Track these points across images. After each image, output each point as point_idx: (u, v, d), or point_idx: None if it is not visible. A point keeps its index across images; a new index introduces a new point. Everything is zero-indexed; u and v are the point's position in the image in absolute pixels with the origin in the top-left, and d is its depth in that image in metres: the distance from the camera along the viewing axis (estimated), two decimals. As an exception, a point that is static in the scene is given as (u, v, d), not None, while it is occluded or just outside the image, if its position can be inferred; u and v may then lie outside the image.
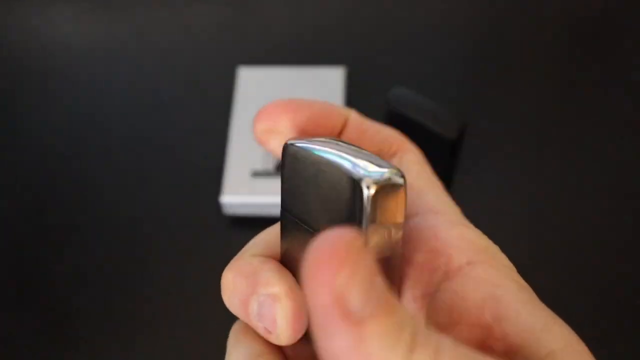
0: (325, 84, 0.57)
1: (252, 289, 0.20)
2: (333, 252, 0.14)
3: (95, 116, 0.60)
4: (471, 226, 0.22)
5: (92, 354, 0.47)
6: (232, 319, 0.48)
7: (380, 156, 0.23)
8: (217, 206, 0.52)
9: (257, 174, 0.52)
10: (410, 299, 0.21)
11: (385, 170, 0.19)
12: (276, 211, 0.51)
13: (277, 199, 0.50)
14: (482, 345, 0.19)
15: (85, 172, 0.56)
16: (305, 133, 0.23)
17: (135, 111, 0.60)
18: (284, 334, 0.20)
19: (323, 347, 0.15)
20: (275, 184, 0.51)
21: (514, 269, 0.21)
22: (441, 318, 0.20)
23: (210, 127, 0.58)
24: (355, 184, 0.18)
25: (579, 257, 0.50)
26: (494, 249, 0.21)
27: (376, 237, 0.19)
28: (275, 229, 0.23)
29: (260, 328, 0.21)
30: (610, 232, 0.51)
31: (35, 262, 0.52)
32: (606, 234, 0.51)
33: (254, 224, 0.52)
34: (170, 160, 0.57)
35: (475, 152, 0.54)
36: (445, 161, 0.48)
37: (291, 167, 0.20)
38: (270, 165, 0.52)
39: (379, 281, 0.15)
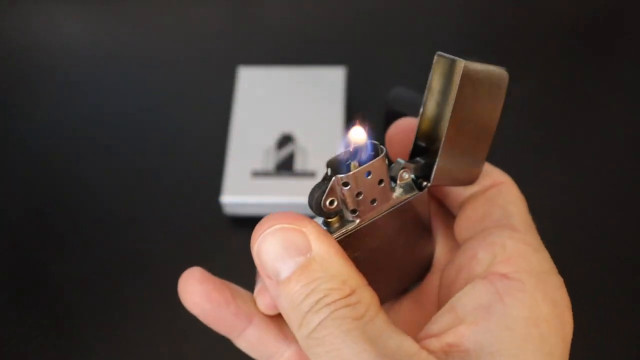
0: (325, 84, 0.57)
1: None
2: (255, 229, 0.21)
3: (95, 116, 0.60)
4: (544, 252, 0.24)
5: (92, 353, 0.47)
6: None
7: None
8: (217, 206, 0.52)
9: (257, 174, 0.52)
10: (460, 284, 0.23)
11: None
12: (276, 211, 0.51)
13: (277, 199, 0.50)
14: (445, 330, 0.21)
15: (85, 172, 0.56)
16: None
17: (135, 111, 0.60)
18: None
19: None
20: (275, 184, 0.51)
21: (564, 310, 0.21)
22: (452, 299, 0.22)
23: (210, 127, 0.58)
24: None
25: (578, 257, 0.50)
26: (551, 280, 0.22)
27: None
28: None
29: None
30: (610, 231, 0.51)
31: (36, 262, 0.52)
32: (606, 234, 0.51)
33: (254, 224, 0.52)
34: (170, 160, 0.57)
35: (475, 152, 0.54)
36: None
37: None
38: (271, 165, 0.52)
39: (292, 256, 0.20)
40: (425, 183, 0.24)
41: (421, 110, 0.24)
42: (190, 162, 0.56)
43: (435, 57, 0.23)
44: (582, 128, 0.57)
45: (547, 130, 0.57)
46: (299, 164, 0.52)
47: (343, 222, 0.23)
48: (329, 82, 0.57)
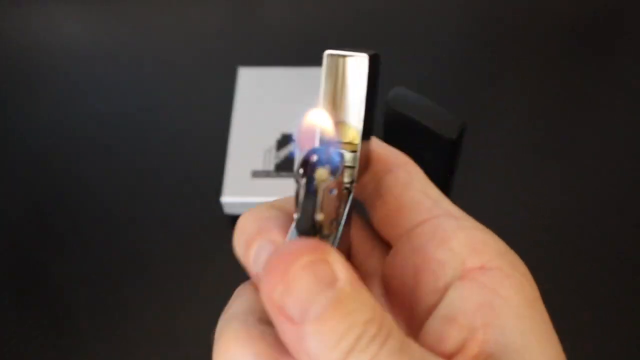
0: (325, 84, 0.57)
1: (258, 234, 0.21)
2: (274, 267, 0.17)
3: (95, 116, 0.60)
4: (490, 232, 0.23)
5: (92, 353, 0.47)
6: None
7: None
8: (217, 206, 0.52)
9: (257, 174, 0.52)
10: (431, 290, 0.21)
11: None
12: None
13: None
14: (462, 344, 0.20)
15: (85, 172, 0.56)
16: None
17: (135, 111, 0.60)
18: None
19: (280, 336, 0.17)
20: (275, 184, 0.51)
21: (530, 278, 0.21)
22: (443, 311, 0.21)
23: (210, 127, 0.58)
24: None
25: (579, 257, 0.50)
26: (513, 256, 0.22)
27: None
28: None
29: (254, 274, 0.21)
30: (610, 231, 0.51)
31: (36, 262, 0.52)
32: (606, 234, 0.51)
33: (254, 224, 0.52)
34: (170, 160, 0.57)
35: (475, 152, 0.54)
36: (445, 161, 0.48)
37: None
38: (271, 165, 0.52)
39: (322, 290, 0.17)
40: (350, 183, 0.21)
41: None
42: (190, 162, 0.56)
43: (328, 57, 0.23)
44: (582, 128, 0.57)
45: (547, 130, 0.57)
46: (299, 164, 0.52)
47: (321, 238, 0.20)
48: (329, 82, 0.57)
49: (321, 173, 0.19)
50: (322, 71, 0.22)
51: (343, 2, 0.67)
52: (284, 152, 0.53)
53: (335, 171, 0.19)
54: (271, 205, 0.22)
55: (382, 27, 0.64)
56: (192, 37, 0.65)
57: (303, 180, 0.19)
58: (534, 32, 0.63)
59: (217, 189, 0.53)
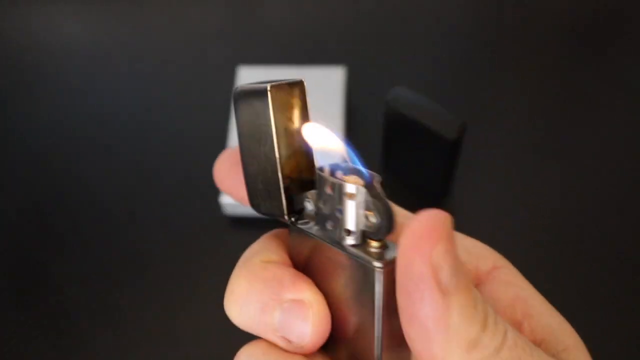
0: (325, 84, 0.57)
1: (276, 295, 0.20)
2: (432, 228, 0.16)
3: (95, 116, 0.60)
4: (474, 239, 0.24)
5: (92, 353, 0.47)
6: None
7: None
8: (217, 206, 0.52)
9: (257, 174, 0.52)
10: None
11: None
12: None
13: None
14: None
15: (85, 172, 0.56)
16: None
17: (135, 111, 0.60)
18: (311, 341, 0.20)
19: (411, 315, 0.17)
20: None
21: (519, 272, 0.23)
22: None
23: (210, 127, 0.58)
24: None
25: (578, 257, 0.50)
26: (501, 255, 0.24)
27: None
28: (275, 237, 0.23)
29: (277, 338, 0.20)
30: (610, 231, 0.51)
31: (36, 262, 0.52)
32: (606, 234, 0.51)
33: (254, 224, 0.52)
34: (170, 160, 0.57)
35: (475, 152, 0.54)
36: (445, 161, 0.48)
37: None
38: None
39: (461, 260, 0.17)
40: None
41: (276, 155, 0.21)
42: (190, 162, 0.56)
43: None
44: (582, 128, 0.57)
45: (547, 130, 0.57)
46: (299, 164, 0.52)
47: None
48: (329, 82, 0.57)
49: (375, 177, 0.19)
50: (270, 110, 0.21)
51: (343, 2, 0.67)
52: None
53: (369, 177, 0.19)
54: (260, 261, 0.21)
55: (382, 27, 0.64)
56: (192, 37, 0.65)
57: (363, 190, 0.19)
58: (534, 32, 0.63)
59: (217, 189, 0.53)
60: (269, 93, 0.20)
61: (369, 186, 0.19)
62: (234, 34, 0.65)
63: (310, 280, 0.20)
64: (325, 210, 0.20)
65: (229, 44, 0.64)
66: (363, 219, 0.19)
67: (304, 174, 0.22)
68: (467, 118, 0.48)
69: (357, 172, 0.20)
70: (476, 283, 0.23)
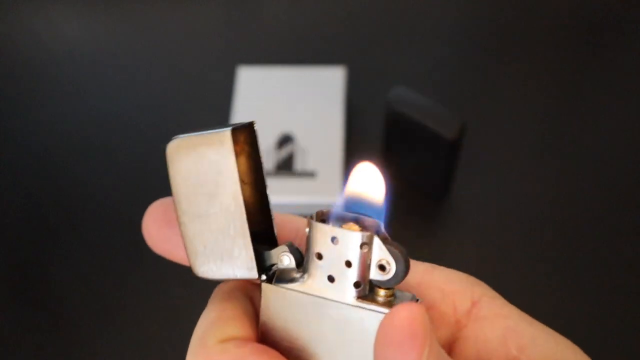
0: (325, 84, 0.57)
1: None
2: (413, 334, 0.16)
3: (95, 116, 0.60)
4: (441, 267, 0.22)
5: (92, 353, 0.47)
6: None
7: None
8: (217, 206, 0.52)
9: (257, 174, 0.52)
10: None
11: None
12: (275, 211, 0.51)
13: (277, 199, 0.50)
14: None
15: (85, 172, 0.56)
16: None
17: (135, 111, 0.60)
18: None
19: None
20: (275, 184, 0.51)
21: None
22: None
23: (210, 127, 0.58)
24: None
25: (579, 257, 0.50)
26: (472, 278, 0.22)
27: None
28: (232, 297, 0.21)
29: None
30: (610, 231, 0.51)
31: (35, 262, 0.52)
32: (606, 234, 0.51)
33: (254, 224, 0.52)
34: (170, 160, 0.57)
35: (475, 152, 0.54)
36: (445, 161, 0.48)
37: None
38: (270, 165, 0.52)
39: (444, 353, 0.17)
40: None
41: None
42: (190, 162, 0.56)
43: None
44: (581, 128, 0.57)
45: (546, 130, 0.57)
46: (298, 164, 0.52)
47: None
48: (329, 82, 0.57)
49: (381, 224, 0.19)
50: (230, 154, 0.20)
51: (343, 2, 0.67)
52: (284, 152, 0.53)
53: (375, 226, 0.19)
54: (218, 341, 0.19)
55: (382, 27, 0.64)
56: (192, 37, 0.65)
57: (377, 239, 0.18)
58: (534, 32, 0.63)
59: (217, 189, 0.53)
60: (230, 139, 0.19)
61: (380, 234, 0.18)
62: (234, 34, 0.65)
63: (278, 356, 0.19)
64: (324, 263, 0.19)
65: (229, 44, 0.64)
66: (375, 269, 0.18)
67: (262, 226, 0.20)
68: (467, 118, 0.48)
69: (355, 220, 0.19)
70: (458, 328, 0.21)
